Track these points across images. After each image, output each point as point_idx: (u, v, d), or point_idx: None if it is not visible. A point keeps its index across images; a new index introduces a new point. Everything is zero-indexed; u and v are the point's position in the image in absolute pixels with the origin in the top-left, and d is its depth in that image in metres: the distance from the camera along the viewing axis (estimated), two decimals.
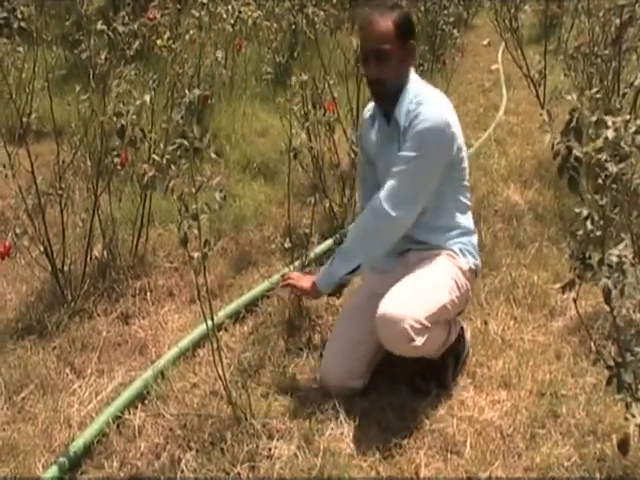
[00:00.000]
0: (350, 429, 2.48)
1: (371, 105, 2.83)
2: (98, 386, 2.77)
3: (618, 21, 4.36)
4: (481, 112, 5.58)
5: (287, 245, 3.03)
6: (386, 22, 2.59)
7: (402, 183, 2.56)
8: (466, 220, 2.74)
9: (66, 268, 3.25)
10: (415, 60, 2.76)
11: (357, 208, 3.05)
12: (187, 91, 3.97)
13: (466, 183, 2.76)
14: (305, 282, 2.69)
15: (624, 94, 4.00)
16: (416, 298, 2.49)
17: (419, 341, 2.44)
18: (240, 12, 5.63)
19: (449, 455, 2.38)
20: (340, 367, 2.63)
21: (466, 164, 2.74)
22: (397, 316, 2.42)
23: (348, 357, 2.63)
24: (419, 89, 2.66)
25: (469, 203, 2.78)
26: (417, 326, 2.42)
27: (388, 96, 2.65)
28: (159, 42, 4.36)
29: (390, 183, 2.57)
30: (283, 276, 2.84)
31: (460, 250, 2.68)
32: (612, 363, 1.91)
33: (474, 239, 2.76)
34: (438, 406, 2.58)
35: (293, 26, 6.06)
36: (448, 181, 2.66)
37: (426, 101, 2.61)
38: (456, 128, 2.63)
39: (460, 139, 2.67)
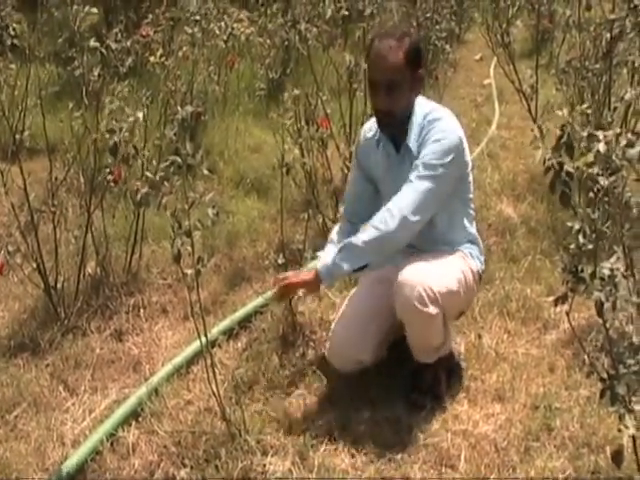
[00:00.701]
0: (345, 444, 2.48)
1: (372, 125, 2.83)
2: (92, 404, 2.76)
3: (609, 35, 4.39)
4: (474, 127, 5.60)
5: (280, 261, 3.03)
6: (397, 54, 2.60)
7: (421, 190, 2.59)
8: (473, 230, 2.84)
9: (59, 285, 3.25)
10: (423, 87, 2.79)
11: (339, 219, 2.98)
12: (179, 108, 3.99)
13: (472, 195, 2.84)
14: (305, 275, 2.69)
15: (615, 108, 4.02)
16: (431, 273, 2.57)
17: (432, 309, 2.50)
18: (233, 28, 5.66)
19: (444, 469, 2.38)
20: (353, 338, 2.65)
21: (471, 178, 2.82)
22: (414, 281, 2.51)
23: (361, 330, 2.67)
24: (428, 108, 2.70)
25: (474, 214, 2.86)
26: (430, 294, 2.50)
27: (396, 125, 2.68)
28: (152, 59, 4.37)
29: (409, 189, 2.59)
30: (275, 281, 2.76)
31: (470, 254, 2.77)
32: (605, 375, 1.91)
33: (481, 248, 2.85)
34: (433, 420, 2.58)
35: (286, 42, 6.07)
36: (458, 194, 2.74)
37: (440, 118, 2.66)
38: (466, 144, 2.71)
39: (468, 154, 2.75)
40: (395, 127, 2.70)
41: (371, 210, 2.72)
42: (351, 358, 2.68)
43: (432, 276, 2.56)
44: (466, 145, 2.71)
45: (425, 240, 2.71)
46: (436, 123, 2.64)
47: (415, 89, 2.68)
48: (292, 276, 2.71)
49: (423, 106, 2.71)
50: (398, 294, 2.56)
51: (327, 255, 2.69)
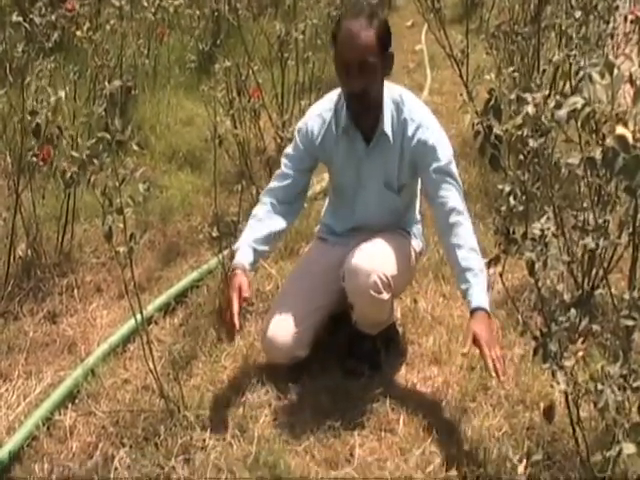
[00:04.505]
0: (284, 415, 2.48)
1: (327, 111, 2.69)
2: (26, 388, 2.68)
3: None
4: None
5: (215, 234, 2.99)
6: (368, 32, 2.50)
7: (458, 189, 2.60)
8: (418, 210, 2.86)
9: None
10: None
11: (261, 195, 2.77)
12: (107, 83, 3.90)
13: None
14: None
15: (544, 70, 4.08)
16: (383, 256, 2.57)
17: (385, 295, 2.50)
18: (161, 0, 5.54)
19: (383, 434, 2.41)
20: (289, 335, 2.58)
21: None
22: (367, 268, 2.49)
23: (297, 325, 2.60)
24: (394, 92, 2.64)
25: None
26: (385, 280, 2.50)
27: (370, 109, 2.59)
28: (79, 33, 4.27)
29: (452, 193, 2.57)
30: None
31: (414, 234, 2.80)
32: (538, 333, 1.95)
33: (421, 228, 2.88)
34: (371, 386, 2.60)
35: (216, 13, 5.97)
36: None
37: (416, 108, 2.68)
38: None
39: None
40: (369, 113, 2.61)
41: (299, 199, 2.71)
42: (287, 354, 2.61)
43: (384, 262, 2.55)
44: None
45: (383, 222, 2.71)
46: (416, 116, 2.62)
47: (385, 70, 2.60)
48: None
49: (389, 89, 2.65)
50: (351, 282, 2.53)
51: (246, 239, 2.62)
